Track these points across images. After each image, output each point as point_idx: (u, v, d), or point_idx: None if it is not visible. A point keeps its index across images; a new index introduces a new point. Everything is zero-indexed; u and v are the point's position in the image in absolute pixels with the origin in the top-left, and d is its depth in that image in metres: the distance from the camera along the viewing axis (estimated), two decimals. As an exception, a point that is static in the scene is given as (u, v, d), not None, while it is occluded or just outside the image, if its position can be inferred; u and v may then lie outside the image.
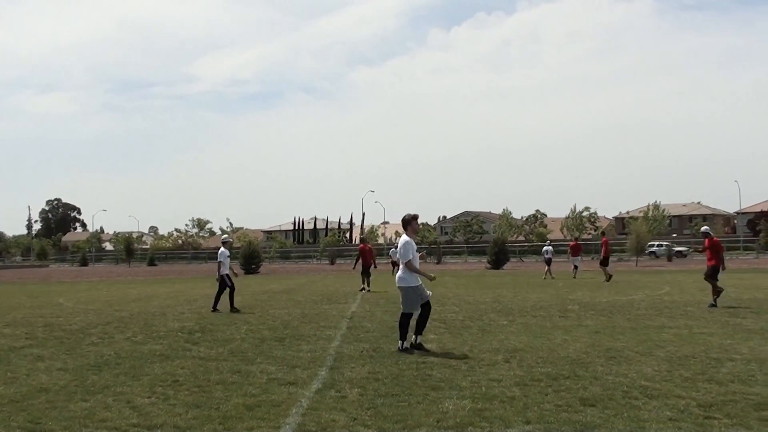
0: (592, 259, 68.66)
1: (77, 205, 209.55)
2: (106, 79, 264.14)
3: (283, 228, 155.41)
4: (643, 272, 47.00)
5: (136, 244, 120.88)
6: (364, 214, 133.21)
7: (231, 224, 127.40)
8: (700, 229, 23.13)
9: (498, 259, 60.51)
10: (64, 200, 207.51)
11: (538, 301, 22.97)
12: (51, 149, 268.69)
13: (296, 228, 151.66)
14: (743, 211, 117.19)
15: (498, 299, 23.99)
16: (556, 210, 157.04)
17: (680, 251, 76.08)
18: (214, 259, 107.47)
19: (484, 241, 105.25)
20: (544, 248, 43.81)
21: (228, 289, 21.45)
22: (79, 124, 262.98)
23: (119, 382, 10.33)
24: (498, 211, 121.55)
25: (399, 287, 12.97)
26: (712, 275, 20.55)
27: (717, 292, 20.40)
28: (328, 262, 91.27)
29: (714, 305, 19.87)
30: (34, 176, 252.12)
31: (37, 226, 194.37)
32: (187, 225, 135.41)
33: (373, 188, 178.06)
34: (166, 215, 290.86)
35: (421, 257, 13.22)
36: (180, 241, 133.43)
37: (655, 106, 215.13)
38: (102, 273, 70.11)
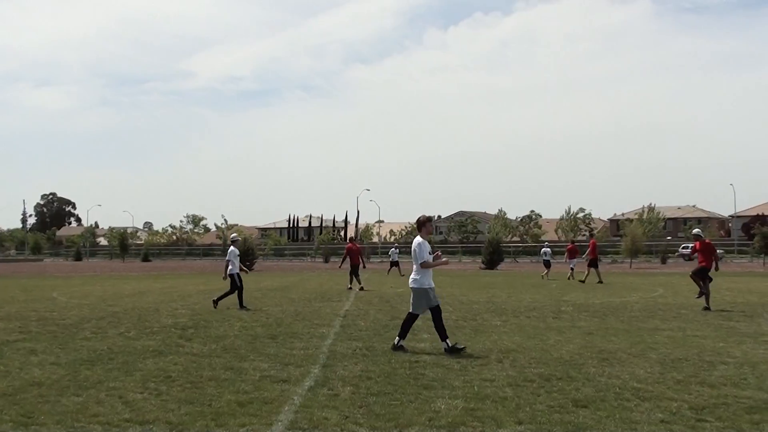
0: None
1: (72, 200, 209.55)
2: (102, 74, 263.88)
3: (277, 225, 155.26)
4: (637, 274, 47.05)
5: (130, 240, 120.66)
6: (359, 213, 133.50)
7: (226, 221, 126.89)
8: (691, 232, 23.09)
9: (492, 260, 60.53)
10: (59, 194, 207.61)
11: (532, 302, 22.99)
12: (46, 143, 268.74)
13: (291, 225, 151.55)
14: (738, 214, 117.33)
15: (492, 299, 24.01)
16: (551, 211, 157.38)
17: None
18: (208, 255, 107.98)
19: (479, 241, 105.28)
20: (543, 249, 43.78)
21: (237, 288, 21.36)
22: (75, 118, 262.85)
23: (112, 377, 10.33)
24: (493, 211, 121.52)
25: (411, 288, 12.92)
26: (698, 274, 20.60)
27: (701, 293, 20.45)
28: (322, 260, 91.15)
29: (708, 308, 19.90)
30: (30, 170, 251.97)
31: (31, 220, 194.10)
32: (182, 221, 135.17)
33: (369, 187, 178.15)
34: (161, 211, 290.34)
35: (436, 256, 13.20)
36: (174, 237, 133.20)
37: (652, 109, 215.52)
38: (96, 268, 70.01)
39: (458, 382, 9.79)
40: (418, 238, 12.96)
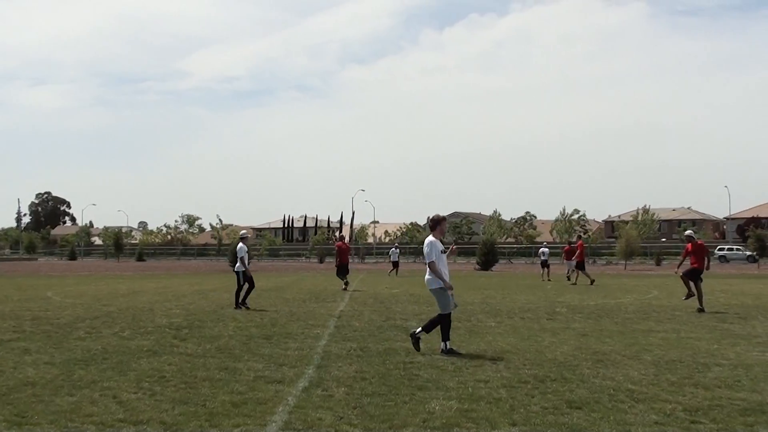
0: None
1: (67, 199, 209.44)
2: (98, 73, 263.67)
3: (272, 225, 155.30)
4: (632, 276, 47.11)
5: (125, 239, 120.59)
6: (354, 213, 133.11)
7: (221, 221, 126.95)
8: (684, 233, 23.08)
9: (487, 261, 60.63)
10: (53, 194, 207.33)
11: (526, 303, 23.01)
12: (42, 142, 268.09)
13: (286, 226, 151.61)
14: (733, 216, 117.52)
15: (486, 300, 24.02)
16: (546, 212, 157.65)
17: (752, 255, 74.71)
18: (203, 255, 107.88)
19: (474, 242, 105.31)
20: (541, 250, 43.74)
21: (238, 287, 21.31)
22: (70, 118, 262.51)
23: (106, 377, 10.31)
24: (488, 212, 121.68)
25: (430, 290, 12.78)
26: (689, 275, 20.61)
27: (689, 295, 20.46)
28: (317, 260, 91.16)
29: (702, 309, 19.93)
30: (24, 169, 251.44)
31: (26, 219, 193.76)
32: (177, 221, 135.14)
33: (364, 187, 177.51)
34: (155, 211, 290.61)
35: (451, 252, 13.16)
36: (169, 237, 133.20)
37: (647, 111, 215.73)
38: (91, 267, 69.96)
39: (453, 383, 9.78)
40: (430, 237, 12.84)
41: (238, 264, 21.52)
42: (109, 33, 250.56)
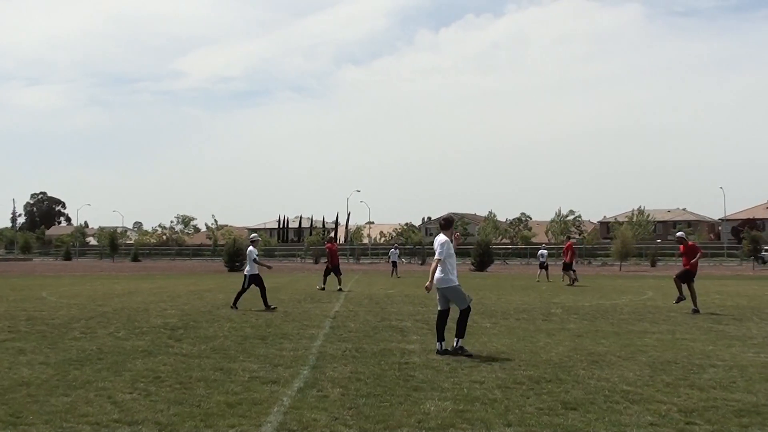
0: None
1: (62, 199, 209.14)
2: (93, 73, 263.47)
3: (268, 226, 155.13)
4: (627, 277, 47.14)
5: (120, 240, 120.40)
6: (349, 214, 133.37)
7: (216, 221, 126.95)
8: (675, 234, 23.02)
9: (482, 261, 60.62)
10: (49, 194, 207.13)
11: (522, 304, 23.02)
12: (37, 143, 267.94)
13: (281, 226, 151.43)
14: (728, 218, 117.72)
15: (481, 301, 23.99)
16: (542, 213, 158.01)
17: None
18: (198, 255, 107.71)
19: (469, 243, 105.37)
20: (540, 251, 43.59)
21: (242, 289, 21.29)
22: (66, 118, 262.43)
23: (101, 377, 10.30)
24: (483, 213, 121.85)
25: (448, 287, 12.62)
26: (682, 277, 20.60)
27: (679, 299, 20.42)
28: (312, 261, 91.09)
29: (696, 310, 19.94)
30: (20, 169, 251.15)
31: (21, 220, 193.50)
32: (172, 222, 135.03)
33: (359, 188, 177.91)
34: (150, 211, 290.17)
35: (456, 237, 13.13)
36: (164, 237, 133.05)
37: (642, 112, 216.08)
38: (86, 267, 69.83)
39: (448, 384, 9.79)
40: (444, 237, 12.79)
41: (248, 267, 21.47)
42: (105, 33, 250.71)
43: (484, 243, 65.87)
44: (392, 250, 49.04)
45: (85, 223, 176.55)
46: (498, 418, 7.92)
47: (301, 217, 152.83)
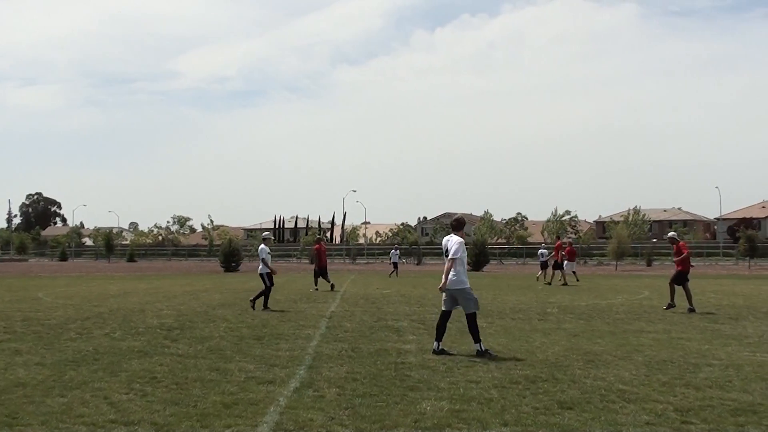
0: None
1: (58, 200, 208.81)
2: (89, 73, 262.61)
3: (263, 226, 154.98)
4: (622, 276, 47.19)
5: (116, 240, 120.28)
6: (345, 214, 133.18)
7: (212, 221, 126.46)
8: (666, 235, 22.94)
9: (478, 261, 60.59)
10: (44, 194, 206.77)
11: (518, 304, 23.03)
12: (32, 143, 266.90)
13: (277, 226, 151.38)
14: (724, 217, 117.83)
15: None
16: (538, 213, 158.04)
17: None
18: (194, 256, 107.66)
19: (465, 242, 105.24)
20: (540, 251, 43.42)
21: (265, 288, 21.19)
22: (61, 118, 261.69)
23: (97, 377, 10.30)
24: (479, 213, 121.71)
25: (458, 289, 12.57)
26: (677, 280, 20.59)
27: (670, 305, 20.36)
28: (308, 261, 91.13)
29: (692, 309, 19.96)
30: (15, 170, 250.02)
31: (17, 220, 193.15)
32: (168, 222, 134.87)
33: (355, 188, 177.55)
34: (146, 211, 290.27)
35: None
36: (160, 238, 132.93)
37: (638, 112, 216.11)
38: (81, 268, 69.77)
39: (444, 383, 9.80)
40: (460, 237, 12.75)
41: (261, 266, 21.43)
42: (101, 33, 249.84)
43: (480, 243, 65.91)
44: (393, 250, 48.68)
45: (81, 223, 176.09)
46: (494, 418, 7.92)
47: (296, 218, 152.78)
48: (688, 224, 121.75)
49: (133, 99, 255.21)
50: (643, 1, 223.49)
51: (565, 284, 34.58)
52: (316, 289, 29.74)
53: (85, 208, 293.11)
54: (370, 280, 40.85)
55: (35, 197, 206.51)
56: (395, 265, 46.29)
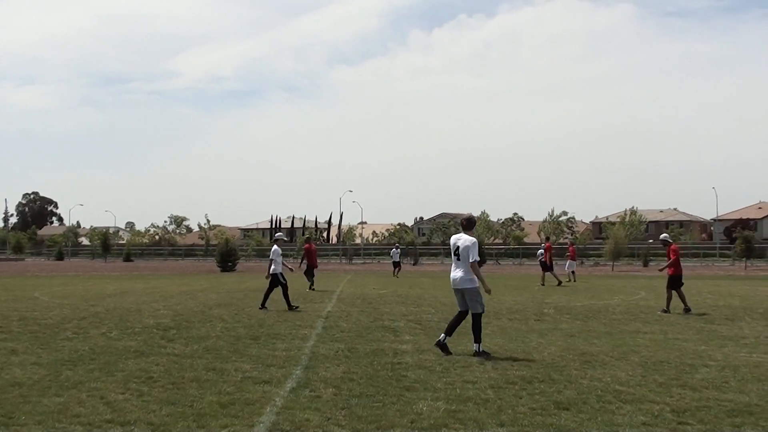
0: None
1: (54, 199, 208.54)
2: (86, 73, 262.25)
3: (260, 226, 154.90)
4: (619, 277, 47.19)
5: (112, 240, 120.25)
6: (342, 214, 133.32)
7: (209, 221, 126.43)
8: (660, 237, 22.83)
9: (475, 261, 60.53)
10: (41, 194, 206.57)
11: (514, 304, 23.03)
12: (29, 142, 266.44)
13: (273, 226, 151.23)
14: (720, 218, 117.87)
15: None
16: (534, 213, 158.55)
17: None
18: (190, 256, 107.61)
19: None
20: (539, 251, 43.30)
21: (281, 288, 21.17)
22: (58, 117, 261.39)
23: (93, 377, 10.29)
24: (476, 213, 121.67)
25: (467, 288, 12.59)
26: (673, 285, 20.57)
27: (665, 311, 20.32)
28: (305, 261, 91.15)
29: (688, 309, 19.97)
30: (11, 169, 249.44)
31: (13, 220, 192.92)
32: (165, 222, 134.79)
33: (351, 188, 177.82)
34: (143, 211, 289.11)
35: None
36: (157, 237, 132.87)
37: (634, 112, 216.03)
38: (78, 267, 69.67)
39: (440, 384, 9.80)
40: (471, 237, 12.71)
41: (273, 266, 21.38)
42: (97, 33, 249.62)
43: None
44: (393, 249, 48.27)
45: (78, 223, 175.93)
46: (490, 418, 7.92)
47: (293, 217, 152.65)
48: (684, 225, 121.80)
49: (129, 99, 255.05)
50: (640, 1, 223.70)
51: (559, 283, 34.54)
52: (313, 289, 29.75)
53: (82, 208, 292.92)
54: (366, 281, 40.84)
55: (32, 196, 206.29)
56: (397, 264, 45.89)
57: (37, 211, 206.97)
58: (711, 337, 15.05)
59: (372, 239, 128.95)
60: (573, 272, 39.22)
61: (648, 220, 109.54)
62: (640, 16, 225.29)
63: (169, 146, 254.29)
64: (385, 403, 8.65)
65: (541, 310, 21.11)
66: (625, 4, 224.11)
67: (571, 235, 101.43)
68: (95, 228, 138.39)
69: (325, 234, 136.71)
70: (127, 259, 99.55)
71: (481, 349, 12.34)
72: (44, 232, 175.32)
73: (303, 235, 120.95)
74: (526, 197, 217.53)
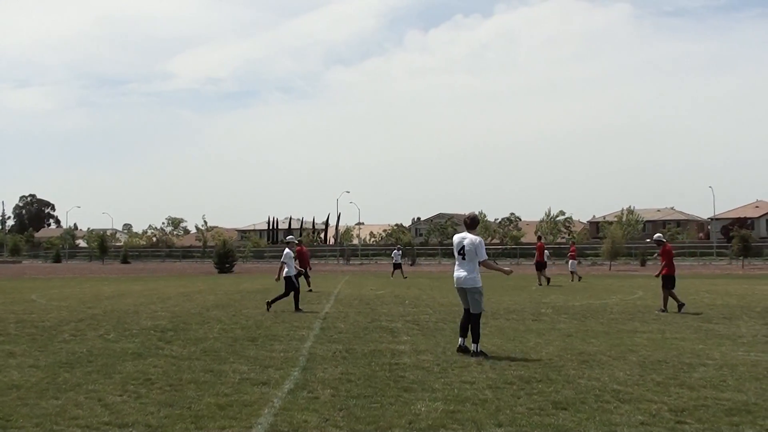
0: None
1: (51, 201, 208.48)
2: (82, 75, 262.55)
3: (257, 227, 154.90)
4: (617, 276, 47.22)
5: (109, 242, 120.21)
6: (339, 215, 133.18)
7: (206, 223, 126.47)
8: (654, 237, 22.74)
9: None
10: (38, 196, 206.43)
11: (512, 304, 23.03)
12: (26, 145, 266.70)
13: (270, 228, 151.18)
14: (717, 217, 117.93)
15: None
16: (531, 213, 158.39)
17: None
18: (187, 257, 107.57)
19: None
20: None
21: (296, 291, 21.08)
22: (55, 119, 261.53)
23: (91, 379, 10.27)
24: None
25: (471, 288, 12.61)
26: (667, 285, 20.56)
27: (662, 310, 20.30)
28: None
29: (682, 304, 19.96)
30: (8, 171, 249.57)
31: (10, 222, 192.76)
32: (162, 223, 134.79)
33: (349, 189, 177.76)
34: (140, 213, 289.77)
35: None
36: (154, 239, 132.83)
37: (631, 112, 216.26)
38: (75, 270, 69.67)
39: (438, 384, 9.79)
40: (476, 236, 12.74)
41: (286, 269, 21.30)
42: (94, 34, 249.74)
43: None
44: (395, 251, 47.99)
45: (75, 225, 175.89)
46: (489, 419, 7.92)
47: (290, 219, 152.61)
48: (681, 224, 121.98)
49: (126, 100, 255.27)
50: (637, 1, 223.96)
51: (540, 285, 34.45)
52: (309, 290, 29.75)
53: (79, 210, 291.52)
54: (363, 281, 40.82)
55: (29, 199, 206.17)
56: (398, 266, 45.55)
57: (34, 213, 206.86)
58: (709, 336, 15.06)
59: (369, 240, 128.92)
60: (573, 272, 39.20)
61: (645, 219, 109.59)
62: (637, 15, 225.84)
63: (167, 148, 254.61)
64: (383, 403, 8.65)
65: (539, 310, 21.11)
66: (621, 3, 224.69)
67: (569, 234, 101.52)
68: (92, 230, 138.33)
69: (322, 235, 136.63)
70: (125, 261, 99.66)
71: (479, 349, 12.34)
72: (41, 234, 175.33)
73: (300, 236, 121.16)
74: (523, 197, 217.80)
